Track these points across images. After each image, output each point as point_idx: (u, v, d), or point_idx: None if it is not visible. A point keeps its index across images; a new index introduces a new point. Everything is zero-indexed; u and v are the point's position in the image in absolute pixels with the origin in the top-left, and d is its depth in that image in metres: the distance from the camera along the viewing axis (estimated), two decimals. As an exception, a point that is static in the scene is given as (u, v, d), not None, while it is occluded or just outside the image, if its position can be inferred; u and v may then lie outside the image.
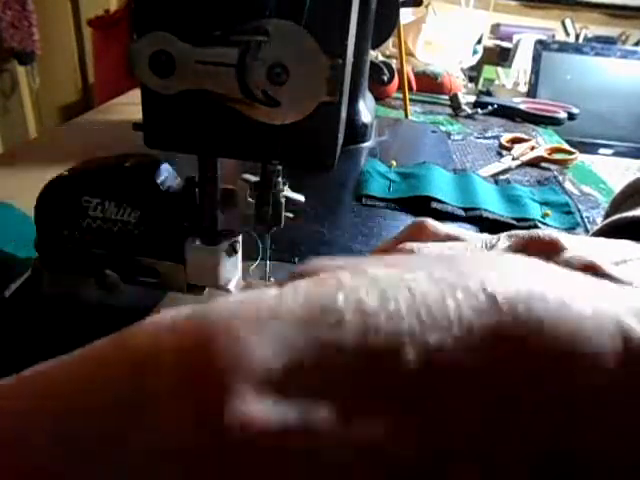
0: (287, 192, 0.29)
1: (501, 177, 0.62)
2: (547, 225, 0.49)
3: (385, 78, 0.87)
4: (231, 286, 0.30)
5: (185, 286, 0.29)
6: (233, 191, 0.29)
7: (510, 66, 1.78)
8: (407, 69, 0.94)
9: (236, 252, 0.29)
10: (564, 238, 0.16)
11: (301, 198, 0.30)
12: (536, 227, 0.48)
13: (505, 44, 2.01)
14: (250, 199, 0.29)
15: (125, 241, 0.28)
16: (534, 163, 0.68)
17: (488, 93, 1.13)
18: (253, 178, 0.29)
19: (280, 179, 0.28)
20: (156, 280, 0.29)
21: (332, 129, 0.24)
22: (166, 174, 0.28)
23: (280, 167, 0.28)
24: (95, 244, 0.29)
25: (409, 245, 0.17)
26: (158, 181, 0.28)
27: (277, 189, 0.28)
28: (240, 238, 0.29)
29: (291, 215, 0.30)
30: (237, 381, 0.08)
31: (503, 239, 0.18)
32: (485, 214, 0.49)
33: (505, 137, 0.75)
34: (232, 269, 0.30)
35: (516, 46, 1.82)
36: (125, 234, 0.28)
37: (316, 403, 0.09)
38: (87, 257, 0.29)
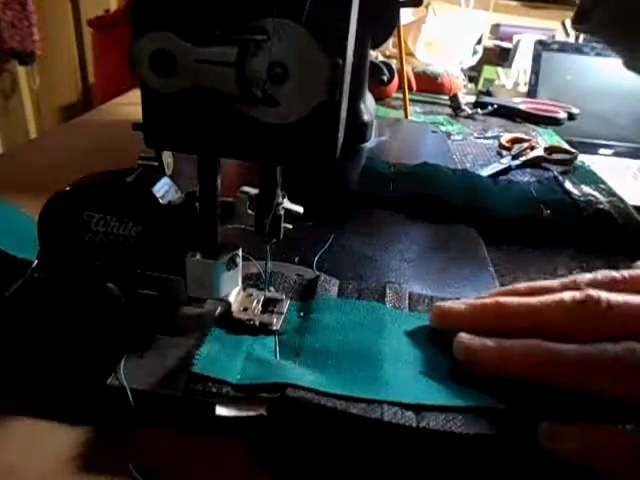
0: (286, 204, 0.30)
1: (501, 177, 0.62)
2: (547, 225, 0.48)
3: (385, 78, 0.87)
4: (231, 298, 0.30)
5: (186, 299, 0.30)
6: (232, 204, 0.30)
7: (510, 66, 1.78)
8: (407, 69, 0.94)
9: (236, 265, 0.29)
10: None
11: (300, 210, 0.30)
12: (536, 227, 0.48)
13: (505, 44, 2.01)
14: (249, 211, 0.29)
15: (127, 255, 0.29)
16: (534, 163, 0.68)
17: (488, 93, 1.13)
18: (252, 191, 0.29)
19: (279, 191, 0.29)
20: (157, 293, 0.30)
21: (332, 129, 0.24)
22: (167, 188, 0.29)
23: (279, 179, 0.28)
24: (97, 258, 0.29)
25: None
26: (159, 195, 0.28)
27: (276, 202, 0.29)
28: (240, 251, 0.29)
29: (290, 226, 0.31)
30: None
31: None
32: (485, 214, 0.49)
33: (505, 137, 0.75)
34: (232, 282, 0.30)
35: (516, 46, 1.81)
36: (127, 248, 0.28)
37: None
38: (89, 271, 0.29)
